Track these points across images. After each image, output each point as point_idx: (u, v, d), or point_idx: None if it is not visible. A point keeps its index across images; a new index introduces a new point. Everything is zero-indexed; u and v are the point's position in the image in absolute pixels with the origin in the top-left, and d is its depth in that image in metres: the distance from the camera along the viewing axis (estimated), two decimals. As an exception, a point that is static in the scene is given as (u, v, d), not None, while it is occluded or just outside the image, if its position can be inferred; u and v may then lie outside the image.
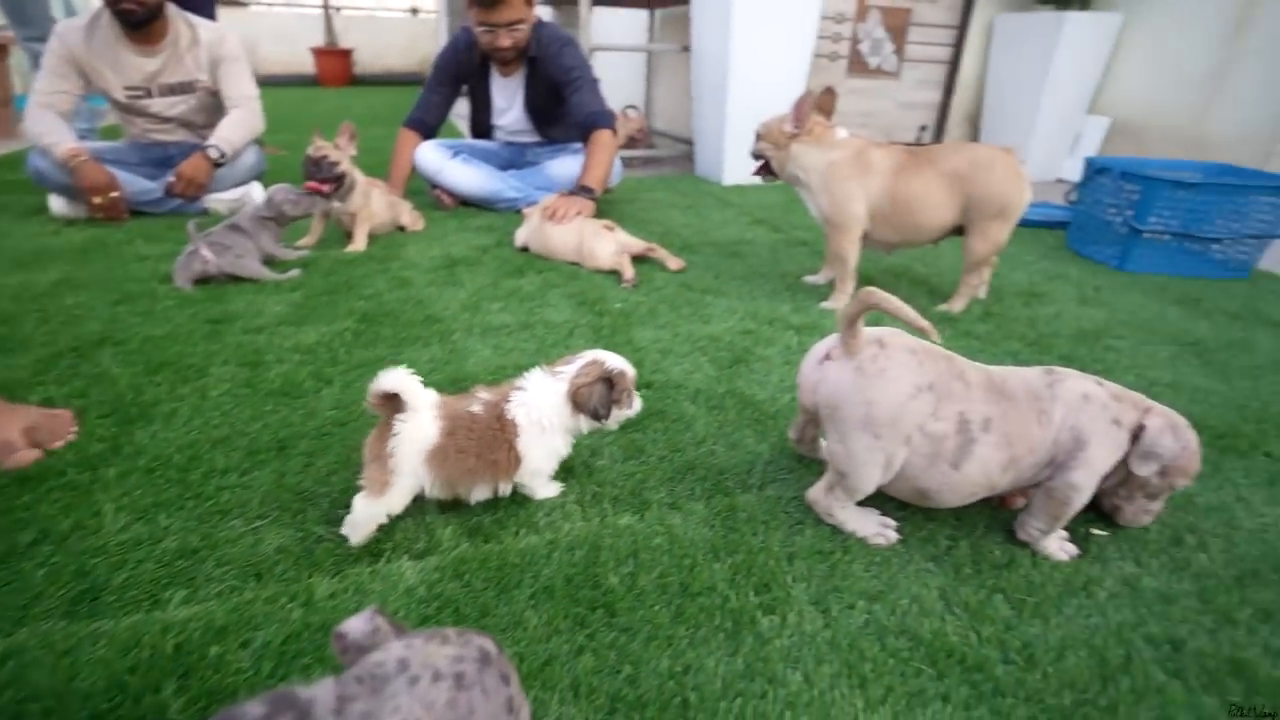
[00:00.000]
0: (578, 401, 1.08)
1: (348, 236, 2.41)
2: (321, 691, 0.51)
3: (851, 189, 1.93)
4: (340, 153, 2.31)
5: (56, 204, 2.57)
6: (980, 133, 4.63)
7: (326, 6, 8.77)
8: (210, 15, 2.96)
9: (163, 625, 0.86)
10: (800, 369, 1.13)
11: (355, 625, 0.56)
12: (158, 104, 2.65)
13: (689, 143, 4.21)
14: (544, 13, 4.38)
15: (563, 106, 2.90)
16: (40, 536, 1.01)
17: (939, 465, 0.99)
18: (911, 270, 2.44)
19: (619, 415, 1.14)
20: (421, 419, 0.99)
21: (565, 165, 2.95)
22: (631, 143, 4.29)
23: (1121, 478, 1.05)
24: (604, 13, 4.59)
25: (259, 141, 2.89)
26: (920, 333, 0.98)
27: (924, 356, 1.00)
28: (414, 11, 9.63)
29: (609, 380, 1.10)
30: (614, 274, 2.21)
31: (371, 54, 9.27)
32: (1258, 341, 1.92)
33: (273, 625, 0.87)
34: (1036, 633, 0.92)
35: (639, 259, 2.32)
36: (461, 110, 3.30)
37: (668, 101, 4.94)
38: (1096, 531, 1.12)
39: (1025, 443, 0.99)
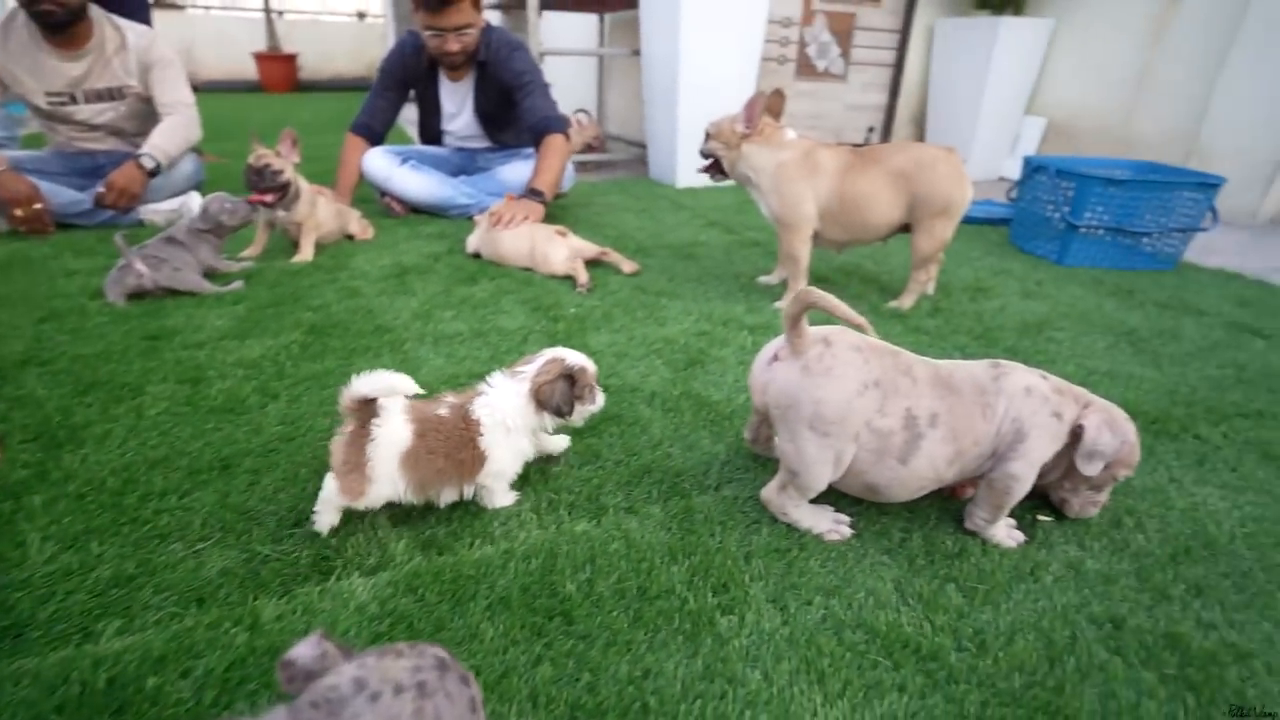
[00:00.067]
0: (540, 399, 1.09)
1: (294, 246, 2.35)
2: None
3: (801, 189, 1.96)
4: (283, 160, 2.24)
5: (-26, 217, 2.44)
6: (926, 134, 4.77)
7: (268, 11, 8.53)
8: (144, 19, 2.85)
9: (94, 659, 0.82)
10: (751, 370, 1.14)
11: (303, 652, 0.54)
12: (84, 110, 2.54)
13: (642, 146, 4.23)
14: (492, 17, 4.34)
15: (514, 111, 2.87)
16: (-42, 571, 0.95)
17: (887, 461, 1.01)
18: (862, 268, 2.49)
19: (582, 411, 1.15)
20: (395, 422, 1.00)
21: (518, 170, 2.93)
22: (588, 150, 4.29)
23: (1065, 472, 1.09)
24: (553, 18, 4.58)
25: (197, 150, 2.79)
26: (857, 328, 1.00)
27: (870, 354, 1.02)
28: (361, 16, 9.46)
29: (570, 377, 1.11)
30: (568, 279, 2.20)
31: (317, 59, 9.06)
32: (1185, 329, 2.01)
33: (215, 652, 0.84)
34: (987, 619, 0.94)
35: (593, 263, 2.32)
36: (410, 116, 3.24)
37: (620, 105, 4.95)
38: (1042, 518, 1.16)
39: (970, 435, 1.02)
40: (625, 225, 2.94)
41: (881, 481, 1.03)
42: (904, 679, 0.84)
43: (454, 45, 2.67)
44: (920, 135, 4.84)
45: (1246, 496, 1.23)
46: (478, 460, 1.06)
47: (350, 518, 1.08)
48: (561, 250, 2.22)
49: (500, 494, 1.12)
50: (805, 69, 4.46)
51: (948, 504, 1.18)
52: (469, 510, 1.11)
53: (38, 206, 2.35)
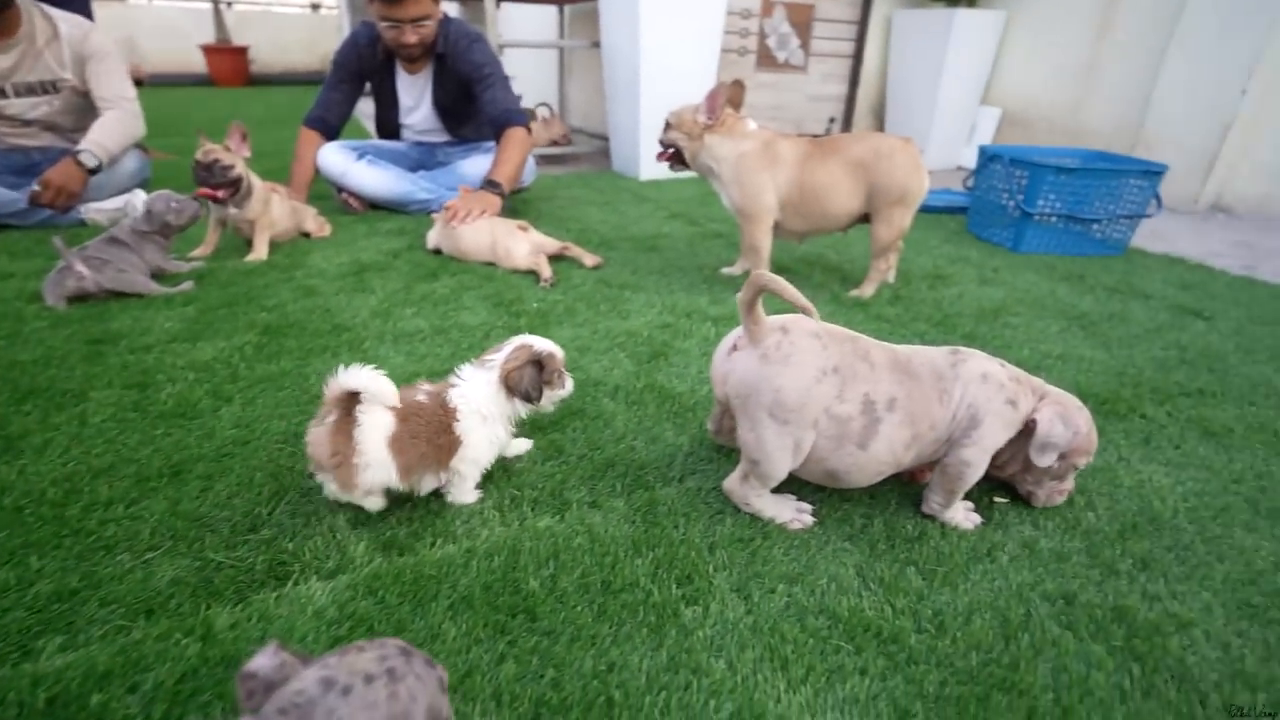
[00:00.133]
0: (510, 385, 1.10)
1: (247, 245, 2.28)
2: None
3: (762, 180, 1.97)
4: (233, 155, 2.17)
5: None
6: (885, 124, 4.84)
7: (216, 1, 8.25)
8: (85, 12, 2.73)
9: (33, 677, 0.78)
10: (713, 361, 1.14)
11: (262, 662, 0.54)
12: (15, 105, 2.42)
13: (605, 139, 4.21)
14: (450, 9, 4.27)
15: (473, 104, 2.82)
16: (-114, 591, 0.90)
17: (846, 446, 1.02)
18: (825, 258, 2.52)
19: (552, 396, 1.16)
20: (378, 407, 1.01)
21: (478, 164, 2.88)
22: (554, 146, 4.25)
23: (1025, 464, 1.11)
24: (511, 9, 4.52)
25: (141, 146, 2.68)
26: (803, 311, 1.00)
27: (828, 340, 1.03)
28: (315, 7, 9.21)
29: (538, 362, 1.12)
30: (530, 274, 2.18)
31: (270, 52, 8.80)
32: (1133, 312, 2.08)
33: (165, 664, 0.81)
34: (946, 600, 0.96)
35: (555, 258, 2.30)
36: (367, 110, 3.17)
37: (582, 98, 4.92)
38: (999, 500, 1.19)
39: (927, 420, 1.04)
40: (588, 219, 2.93)
41: (841, 467, 1.04)
42: (865, 662, 0.86)
43: (411, 37, 2.62)
44: (880, 126, 4.91)
45: (1188, 472, 1.28)
46: (455, 445, 1.07)
47: (309, 520, 1.06)
48: (524, 245, 2.20)
49: (471, 481, 1.12)
50: (765, 60, 4.48)
51: (908, 489, 1.20)
52: (430, 510, 1.10)
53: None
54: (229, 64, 8.28)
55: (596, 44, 3.87)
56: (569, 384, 1.18)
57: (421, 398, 1.07)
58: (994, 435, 1.05)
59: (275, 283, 2.04)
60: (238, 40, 8.43)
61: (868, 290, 2.11)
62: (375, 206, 2.89)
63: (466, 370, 1.13)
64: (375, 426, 1.00)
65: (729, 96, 2.02)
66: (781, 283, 0.97)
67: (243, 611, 0.89)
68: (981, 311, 2.03)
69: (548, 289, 2.06)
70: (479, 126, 2.93)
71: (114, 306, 1.81)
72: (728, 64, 4.25)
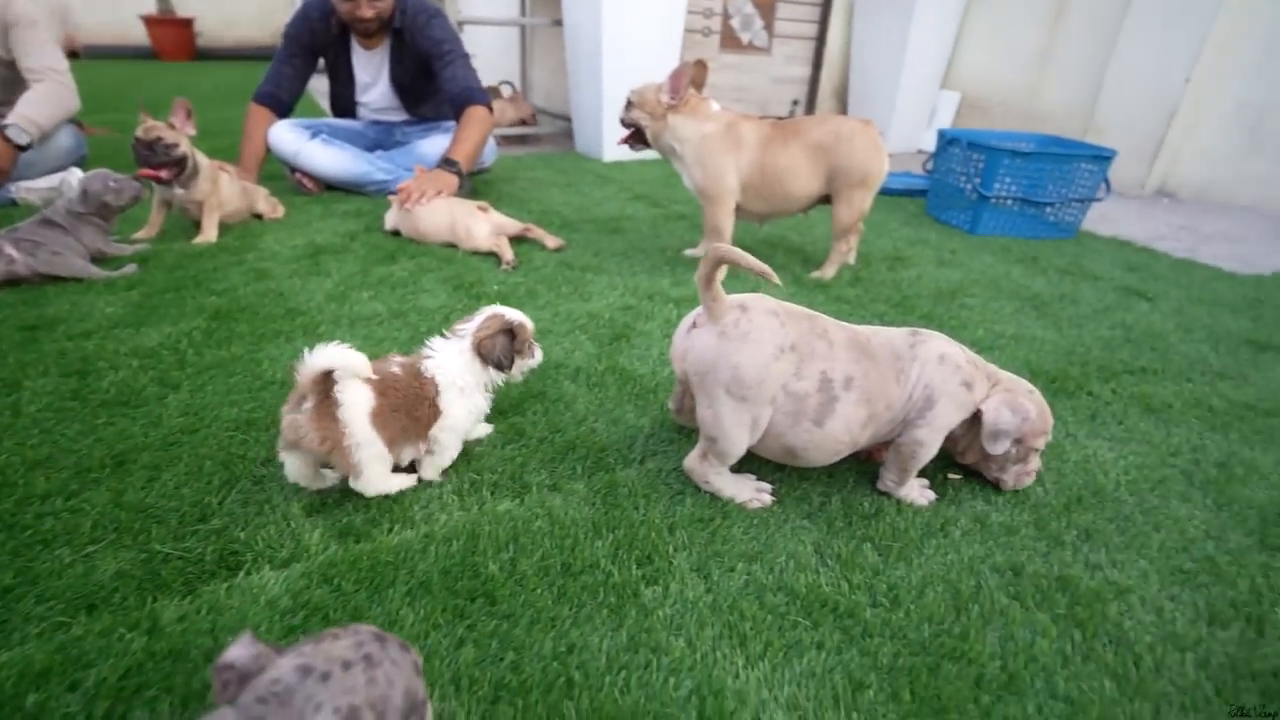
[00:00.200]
0: (482, 353, 1.11)
1: (195, 227, 2.19)
2: None
3: (724, 162, 1.97)
4: (177, 134, 2.07)
5: None
6: (848, 107, 4.87)
7: (158, -30, 7.86)
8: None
9: (-35, 677, 0.75)
10: (673, 339, 1.14)
11: (238, 653, 0.54)
12: (-66, 78, 2.28)
13: (567, 119, 4.15)
14: (406, -18, 4.12)
15: (432, 82, 2.75)
16: None
17: (803, 423, 1.03)
18: (787, 240, 2.54)
19: (522, 365, 1.18)
20: (355, 384, 1.01)
21: (437, 144, 2.81)
22: (522, 125, 4.18)
23: (985, 452, 1.13)
24: (472, -16, 4.40)
25: (76, 121, 2.55)
26: (761, 275, 1.00)
27: (786, 318, 1.03)
28: (265, -22, 8.82)
29: (510, 331, 1.13)
30: (491, 256, 2.15)
31: (218, 24, 8.42)
32: (1082, 294, 2.15)
33: (108, 660, 0.78)
34: (901, 574, 0.98)
35: (517, 240, 2.27)
36: (321, 87, 3.07)
37: (544, 77, 4.83)
38: (952, 476, 1.22)
39: (883, 399, 1.05)
40: (550, 200, 2.89)
41: (799, 444, 1.05)
42: (822, 637, 0.88)
43: (367, 11, 2.53)
44: (843, 108, 4.94)
45: (1130, 447, 1.33)
46: (433, 417, 1.08)
47: (261, 509, 1.04)
48: (484, 225, 2.16)
49: (452, 450, 1.13)
50: (729, 41, 4.46)
51: (865, 467, 1.22)
52: (388, 496, 1.08)
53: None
54: (173, 36, 7.91)
55: (559, 22, 3.80)
56: (538, 354, 1.21)
57: (396, 370, 1.07)
58: (947, 416, 1.07)
59: (225, 266, 1.97)
60: (182, 11, 8.05)
61: (829, 272, 2.13)
62: (331, 187, 2.81)
63: (437, 342, 1.13)
64: (356, 404, 0.99)
65: (691, 77, 2.01)
66: (739, 253, 0.98)
67: (191, 604, 0.87)
68: (939, 293, 2.07)
69: (509, 272, 2.04)
70: (438, 105, 2.86)
71: (50, 291, 1.73)
72: (691, 44, 4.22)
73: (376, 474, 1.03)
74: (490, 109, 2.70)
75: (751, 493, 1.10)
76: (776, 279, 1.01)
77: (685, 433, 1.29)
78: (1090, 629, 0.90)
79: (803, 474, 1.19)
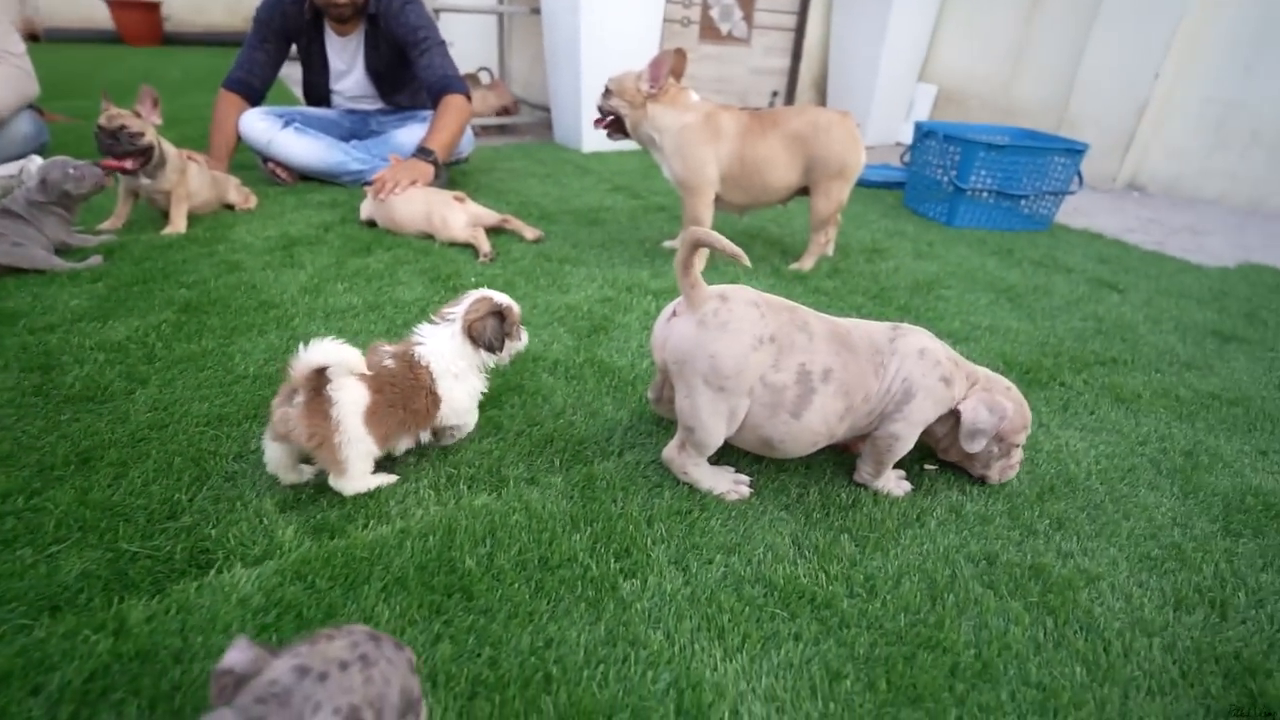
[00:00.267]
0: (473, 335, 1.12)
1: (163, 218, 2.14)
2: None
3: (704, 153, 1.96)
4: (142, 122, 2.02)
5: None
6: (827, 99, 4.88)
7: (123, -48, 7.62)
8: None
9: (-79, 683, 0.73)
10: (653, 328, 1.14)
11: (236, 657, 0.55)
12: (-112, 62, 2.19)
13: (546, 109, 4.11)
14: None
15: (408, 70, 2.70)
16: None
17: (780, 414, 1.03)
18: (766, 231, 2.54)
19: (511, 348, 1.19)
20: (350, 381, 1.00)
21: (414, 134, 2.76)
22: (504, 113, 4.12)
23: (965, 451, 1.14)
24: (448, -30, 4.32)
25: (35, 107, 2.47)
26: (733, 258, 1.00)
27: (766, 309, 1.03)
28: (234, -38, 8.60)
29: (499, 314, 1.14)
30: (468, 248, 2.12)
31: (187, 8, 8.18)
32: (1055, 285, 2.18)
33: (73, 663, 0.76)
34: (878, 565, 0.99)
35: (494, 231, 2.24)
36: (293, 75, 3.00)
37: (523, 67, 4.78)
38: (928, 466, 1.23)
39: (861, 392, 1.06)
40: (529, 191, 2.86)
41: (776, 435, 1.05)
42: (800, 628, 0.88)
43: (340, -4, 2.48)
44: (822, 100, 4.95)
45: (1101, 436, 1.36)
46: (433, 406, 1.08)
47: (233, 505, 1.02)
48: (461, 215, 2.14)
49: (470, 425, 1.17)
50: (709, 32, 4.44)
51: (843, 459, 1.23)
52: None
53: None
54: (139, 20, 7.67)
55: (537, 10, 3.75)
56: (525, 337, 1.22)
57: (389, 363, 1.06)
58: (924, 411, 1.08)
59: (195, 257, 1.92)
60: (149, -5, 7.83)
61: (807, 263, 2.14)
62: (305, 178, 2.75)
63: (425, 328, 1.13)
64: (351, 403, 0.99)
65: (671, 66, 2.00)
66: (714, 235, 0.98)
67: (160, 603, 0.85)
68: (916, 284, 2.09)
69: (487, 264, 2.02)
70: (415, 93, 2.81)
71: (10, 283, 1.67)
72: (670, 34, 4.19)
73: (359, 472, 1.02)
74: (469, 98, 2.67)
75: (729, 484, 1.10)
76: (748, 261, 1.02)
77: (664, 425, 1.29)
78: (1062, 616, 0.92)
79: (780, 465, 1.19)
